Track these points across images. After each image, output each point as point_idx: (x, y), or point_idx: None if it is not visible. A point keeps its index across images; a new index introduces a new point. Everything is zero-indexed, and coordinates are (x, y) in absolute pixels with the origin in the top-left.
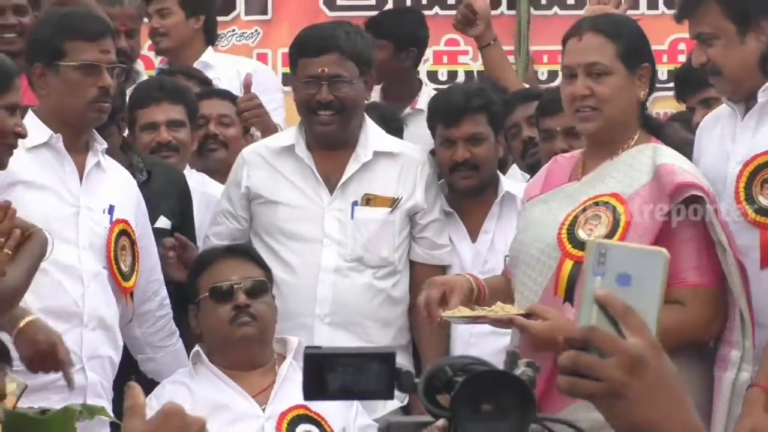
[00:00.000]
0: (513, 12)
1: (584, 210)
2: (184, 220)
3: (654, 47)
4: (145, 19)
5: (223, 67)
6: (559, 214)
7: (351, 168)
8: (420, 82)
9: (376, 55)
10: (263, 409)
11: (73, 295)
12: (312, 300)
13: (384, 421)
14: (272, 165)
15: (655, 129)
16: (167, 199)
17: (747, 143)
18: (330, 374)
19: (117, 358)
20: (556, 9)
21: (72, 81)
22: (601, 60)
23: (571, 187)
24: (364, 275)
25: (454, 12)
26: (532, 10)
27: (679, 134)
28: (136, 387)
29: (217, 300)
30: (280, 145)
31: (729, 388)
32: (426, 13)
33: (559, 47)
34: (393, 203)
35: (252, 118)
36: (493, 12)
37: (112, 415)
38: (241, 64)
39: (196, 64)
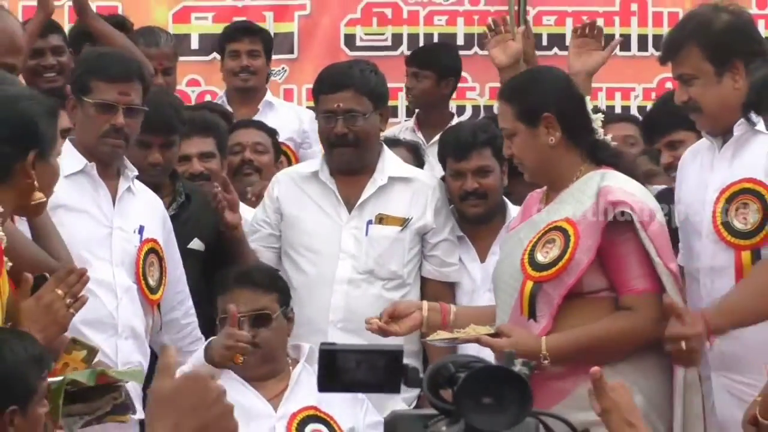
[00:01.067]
0: None
1: (543, 235)
2: (217, 243)
3: (643, 85)
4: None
5: (284, 108)
6: (525, 242)
7: (368, 190)
8: (452, 114)
9: (420, 84)
10: (275, 410)
11: (109, 308)
12: (326, 308)
13: (390, 414)
14: (300, 187)
15: (607, 158)
16: (203, 222)
17: (724, 172)
18: (342, 368)
19: (146, 365)
20: (555, 50)
21: (90, 116)
22: (505, 125)
23: (535, 217)
24: (374, 286)
25: (463, 52)
26: None
27: (645, 165)
28: (170, 348)
29: None
30: (308, 171)
31: (681, 383)
32: None
33: None
34: (403, 223)
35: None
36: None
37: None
38: (300, 109)
39: (262, 104)
